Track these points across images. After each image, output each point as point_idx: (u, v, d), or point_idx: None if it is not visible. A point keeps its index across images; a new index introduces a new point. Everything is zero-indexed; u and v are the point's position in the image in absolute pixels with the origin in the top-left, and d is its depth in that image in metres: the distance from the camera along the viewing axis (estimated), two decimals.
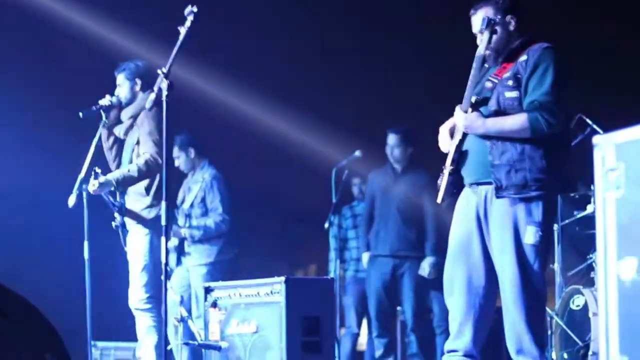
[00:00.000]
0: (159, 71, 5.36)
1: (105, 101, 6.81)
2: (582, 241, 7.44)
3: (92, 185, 6.51)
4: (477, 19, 4.99)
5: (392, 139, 8.39)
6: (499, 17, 4.91)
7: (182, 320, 6.18)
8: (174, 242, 8.33)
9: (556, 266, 7.09)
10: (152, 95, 5.52)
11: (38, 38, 9.91)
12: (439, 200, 5.08)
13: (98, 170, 6.58)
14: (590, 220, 6.76)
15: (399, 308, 9.00)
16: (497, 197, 4.77)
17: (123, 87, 6.90)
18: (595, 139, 3.37)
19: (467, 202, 4.97)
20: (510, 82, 4.84)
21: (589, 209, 6.87)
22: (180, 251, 8.37)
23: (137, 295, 6.64)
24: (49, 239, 9.68)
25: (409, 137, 8.41)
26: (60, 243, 8.79)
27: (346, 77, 10.78)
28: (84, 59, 9.59)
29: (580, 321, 6.52)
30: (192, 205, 8.44)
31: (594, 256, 6.71)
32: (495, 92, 4.89)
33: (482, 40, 4.88)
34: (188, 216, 8.44)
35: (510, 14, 4.98)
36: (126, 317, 6.73)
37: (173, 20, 5.37)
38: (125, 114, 6.90)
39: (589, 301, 6.40)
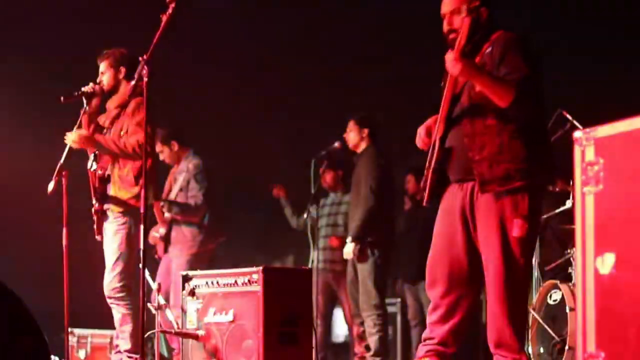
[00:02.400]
0: (140, 58, 5.34)
1: (88, 88, 6.75)
2: (560, 236, 7.47)
3: (72, 136, 6.57)
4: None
5: (348, 125, 8.47)
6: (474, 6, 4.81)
7: (160, 308, 6.16)
8: (161, 231, 8.37)
9: (534, 261, 7.11)
10: (132, 83, 5.51)
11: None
12: (425, 202, 5.00)
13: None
14: (568, 216, 6.78)
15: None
16: (482, 192, 4.72)
17: (106, 74, 6.85)
18: (575, 134, 3.38)
19: (453, 197, 4.92)
20: None
21: (568, 204, 6.88)
22: (168, 240, 8.42)
23: (110, 284, 6.63)
24: (27, 224, 9.64)
25: (363, 120, 8.45)
26: (39, 229, 8.75)
27: (329, 72, 10.78)
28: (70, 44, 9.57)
29: (557, 316, 6.54)
30: (176, 196, 8.47)
31: (572, 251, 6.73)
32: (465, 88, 4.84)
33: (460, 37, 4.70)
34: None
35: (484, 6, 4.88)
36: (104, 305, 6.71)
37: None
38: (112, 103, 6.87)
39: (566, 296, 6.42)
